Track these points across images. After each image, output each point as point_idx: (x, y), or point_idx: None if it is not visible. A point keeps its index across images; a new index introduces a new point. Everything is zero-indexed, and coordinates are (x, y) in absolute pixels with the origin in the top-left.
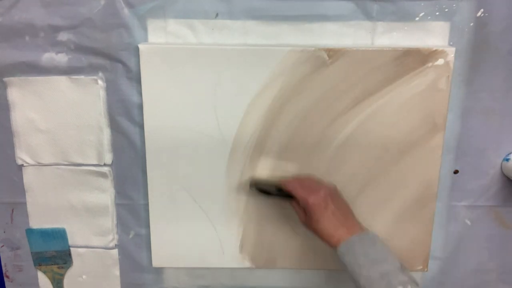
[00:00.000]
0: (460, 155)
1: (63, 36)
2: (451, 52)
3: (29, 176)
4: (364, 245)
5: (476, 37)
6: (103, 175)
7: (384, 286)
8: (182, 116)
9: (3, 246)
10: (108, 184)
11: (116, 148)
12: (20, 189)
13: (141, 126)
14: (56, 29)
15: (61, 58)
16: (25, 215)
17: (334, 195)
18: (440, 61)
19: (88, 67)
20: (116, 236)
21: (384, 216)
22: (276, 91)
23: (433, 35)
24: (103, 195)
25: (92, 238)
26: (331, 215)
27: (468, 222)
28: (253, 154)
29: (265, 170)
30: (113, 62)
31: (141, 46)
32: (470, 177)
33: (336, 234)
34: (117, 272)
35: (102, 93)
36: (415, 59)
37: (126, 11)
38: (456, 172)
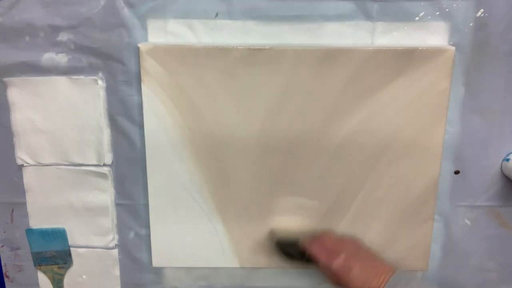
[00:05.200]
0: (460, 155)
1: (63, 36)
2: (451, 52)
3: (29, 176)
4: (401, 284)
5: (476, 37)
6: (103, 175)
7: None
8: (182, 116)
9: (3, 246)
10: (108, 184)
11: (116, 148)
12: (20, 189)
13: (141, 126)
14: (56, 29)
15: (61, 58)
16: (25, 215)
17: (356, 251)
18: (440, 61)
19: (88, 67)
20: (116, 236)
21: (384, 216)
22: (276, 91)
23: (433, 35)
24: (103, 195)
25: (92, 238)
26: (359, 272)
27: (468, 222)
28: (253, 154)
29: (265, 170)
30: (113, 62)
31: (141, 46)
32: (470, 177)
33: (372, 286)
34: (117, 272)
35: (102, 93)
36: (415, 59)
37: (126, 11)
38: (457, 172)
